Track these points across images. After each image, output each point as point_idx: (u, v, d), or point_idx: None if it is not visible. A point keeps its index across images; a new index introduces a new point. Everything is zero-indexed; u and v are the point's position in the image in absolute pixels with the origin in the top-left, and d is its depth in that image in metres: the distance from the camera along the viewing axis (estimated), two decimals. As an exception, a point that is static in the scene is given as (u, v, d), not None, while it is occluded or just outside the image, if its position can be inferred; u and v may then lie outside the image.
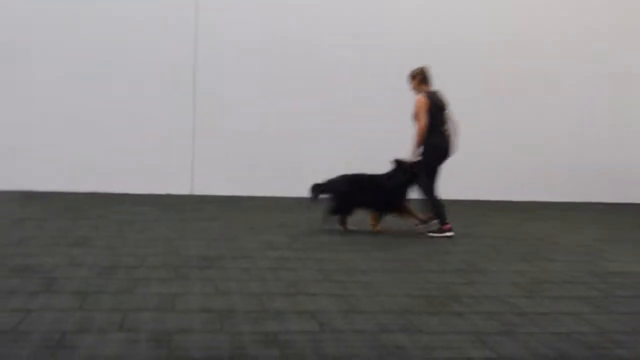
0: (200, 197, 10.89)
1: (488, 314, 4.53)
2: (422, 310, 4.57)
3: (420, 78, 7.90)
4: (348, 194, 7.83)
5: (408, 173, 7.79)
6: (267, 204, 10.29)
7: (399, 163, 7.88)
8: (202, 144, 11.23)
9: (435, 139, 7.77)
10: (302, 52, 11.48)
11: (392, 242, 7.31)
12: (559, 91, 12.34)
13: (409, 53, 11.36)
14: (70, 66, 10.86)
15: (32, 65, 10.81)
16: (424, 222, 7.94)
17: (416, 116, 7.78)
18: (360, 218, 8.02)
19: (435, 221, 7.84)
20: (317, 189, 8.05)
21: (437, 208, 7.80)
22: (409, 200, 7.96)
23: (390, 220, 8.04)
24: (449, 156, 7.88)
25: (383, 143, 11.21)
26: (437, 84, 8.08)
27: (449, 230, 7.75)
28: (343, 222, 7.89)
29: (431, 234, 7.75)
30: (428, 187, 7.79)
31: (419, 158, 7.80)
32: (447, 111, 7.92)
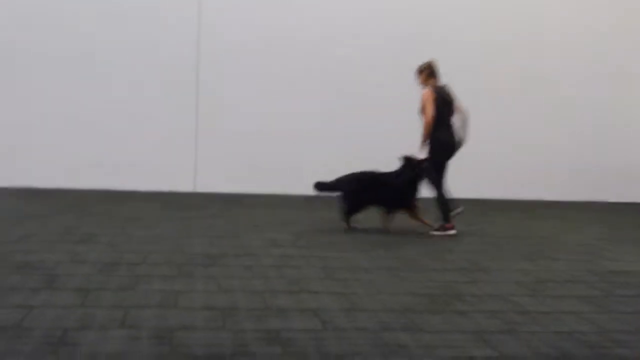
0: (204, 194, 10.91)
1: (490, 313, 4.53)
2: (424, 308, 4.57)
3: (427, 72, 7.87)
4: (357, 192, 7.81)
5: (417, 170, 7.77)
6: (270, 202, 10.30)
7: (408, 160, 7.86)
8: (205, 141, 11.25)
9: (442, 133, 7.74)
10: (304, 52, 11.51)
11: (394, 240, 7.30)
12: (559, 91, 12.35)
13: (409, 53, 11.36)
14: (73, 66, 10.89)
15: (33, 64, 10.82)
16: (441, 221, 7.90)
17: (422, 110, 7.75)
18: (361, 216, 8.01)
19: (460, 210, 7.83)
20: (323, 186, 8.04)
21: (443, 205, 7.78)
22: (418, 198, 7.93)
23: (395, 219, 8.04)
24: (456, 151, 7.85)
25: (383, 142, 11.25)
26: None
27: (452, 229, 7.74)
28: (347, 220, 7.89)
29: (433, 233, 7.75)
30: (437, 182, 7.77)
31: (427, 154, 7.77)
32: (454, 105, 7.87)
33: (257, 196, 10.90)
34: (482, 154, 11.43)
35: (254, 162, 11.31)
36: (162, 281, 4.99)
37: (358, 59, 11.61)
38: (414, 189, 7.85)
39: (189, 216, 8.46)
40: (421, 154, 7.79)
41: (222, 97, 11.25)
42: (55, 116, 10.82)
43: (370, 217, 8.02)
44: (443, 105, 7.72)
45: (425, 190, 7.94)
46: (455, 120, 7.92)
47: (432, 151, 7.77)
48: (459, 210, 7.87)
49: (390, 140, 11.18)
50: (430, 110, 7.64)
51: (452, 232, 7.73)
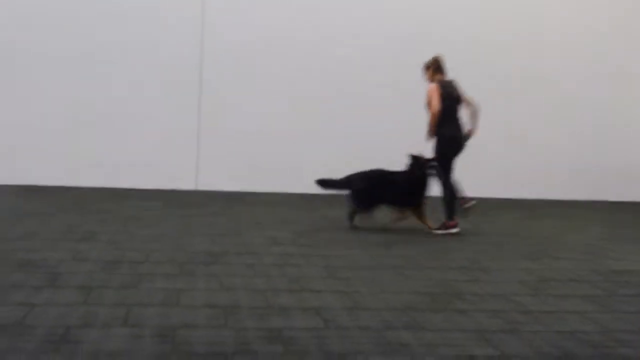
0: (205, 192, 10.92)
1: (492, 312, 4.52)
2: (426, 307, 4.57)
3: (434, 68, 7.87)
4: (367, 191, 7.80)
5: (425, 168, 7.76)
6: (271, 200, 10.30)
7: (415, 158, 7.85)
8: (207, 140, 11.27)
9: (448, 128, 7.71)
10: (306, 52, 11.53)
11: (396, 239, 7.30)
12: (559, 91, 12.36)
13: (409, 53, 11.38)
14: (79, 66, 10.90)
15: (33, 64, 10.82)
16: (464, 209, 7.88)
17: (428, 104, 7.72)
18: (364, 216, 8.02)
19: (472, 202, 7.83)
20: (331, 184, 8.02)
21: (448, 202, 7.75)
22: (426, 198, 7.91)
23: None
24: (463, 146, 7.81)
25: (384, 142, 11.28)
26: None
27: (455, 227, 7.72)
28: (352, 219, 7.88)
29: (436, 231, 7.74)
30: (444, 179, 7.75)
31: (433, 150, 7.76)
32: (460, 101, 7.84)
33: (259, 194, 10.91)
34: (482, 153, 11.41)
35: (256, 160, 11.32)
36: (164, 279, 4.99)
37: (358, 59, 11.62)
38: (422, 188, 7.82)
39: (191, 214, 8.46)
40: (428, 152, 7.77)
41: (224, 96, 11.26)
42: (56, 115, 10.83)
43: (371, 216, 8.00)
44: (448, 101, 7.69)
45: (434, 189, 7.93)
46: (464, 115, 7.89)
47: (438, 147, 7.76)
48: (471, 203, 7.84)
49: (390, 139, 11.22)
50: (436, 104, 7.61)
51: (455, 230, 7.72)
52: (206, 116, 11.25)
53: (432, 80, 7.85)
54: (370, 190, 7.79)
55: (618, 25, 12.61)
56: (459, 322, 4.25)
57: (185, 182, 11.17)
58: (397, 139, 11.17)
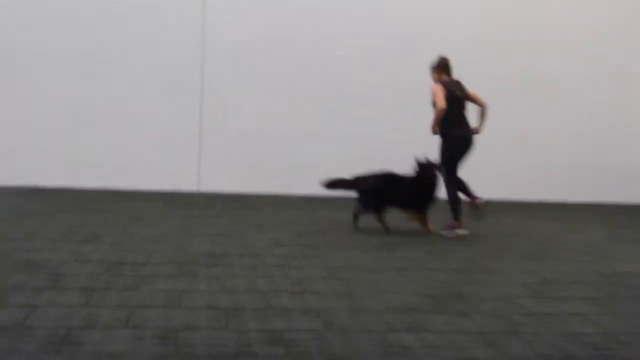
0: (207, 194, 10.92)
1: (494, 314, 4.52)
2: (428, 309, 4.57)
3: (440, 68, 7.85)
4: (374, 192, 7.79)
5: (432, 173, 7.74)
6: (273, 201, 10.31)
7: (421, 165, 7.82)
8: (209, 141, 11.27)
9: (453, 129, 7.67)
10: (308, 51, 11.53)
11: (398, 240, 7.29)
12: (560, 92, 12.37)
13: (410, 53, 11.43)
14: (74, 67, 10.89)
15: (33, 64, 10.83)
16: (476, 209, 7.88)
17: (434, 104, 7.69)
18: (366, 217, 8.01)
19: (482, 200, 7.80)
20: (338, 184, 8.01)
21: (453, 204, 7.71)
22: (434, 202, 7.88)
23: (397, 220, 8.03)
24: (470, 147, 7.76)
25: (386, 142, 11.30)
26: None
27: (461, 228, 7.68)
28: (355, 219, 7.89)
29: (442, 233, 7.71)
30: (449, 181, 7.72)
31: (439, 151, 7.75)
32: (466, 101, 7.81)
33: (261, 196, 10.91)
34: (483, 154, 11.40)
35: (257, 161, 11.32)
36: (166, 281, 4.99)
37: (359, 59, 11.62)
38: (430, 193, 7.78)
39: (192, 215, 8.46)
40: (430, 153, 7.75)
41: (226, 96, 11.26)
42: (57, 115, 10.83)
43: (371, 218, 7.99)
44: (453, 101, 7.64)
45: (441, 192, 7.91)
46: (473, 114, 7.86)
47: (444, 147, 7.75)
48: (481, 200, 7.79)
49: (392, 139, 11.25)
50: (441, 102, 7.55)
51: (462, 231, 7.68)
52: (207, 117, 11.25)
53: (438, 80, 7.82)
54: (378, 192, 7.77)
55: (618, 25, 12.62)
56: (461, 324, 4.25)
57: (186, 183, 11.17)
58: (399, 139, 11.24)
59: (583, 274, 6.05)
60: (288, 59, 11.48)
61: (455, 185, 7.76)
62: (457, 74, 8.02)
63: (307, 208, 9.71)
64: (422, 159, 7.83)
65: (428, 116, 7.78)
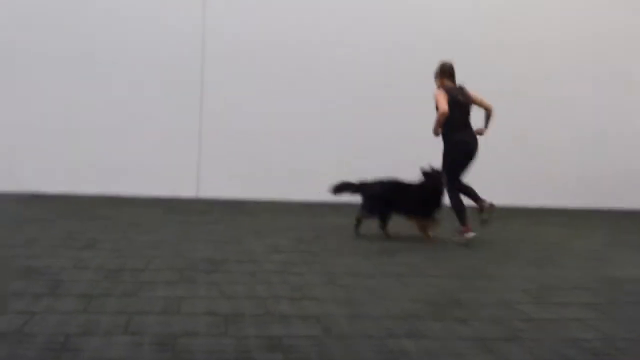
0: (206, 200, 10.91)
1: (494, 320, 4.51)
2: (428, 315, 4.56)
3: (443, 74, 7.81)
4: (381, 198, 7.78)
5: (438, 181, 7.72)
6: (273, 207, 10.30)
7: (426, 174, 7.81)
8: (208, 147, 11.26)
9: (455, 135, 7.62)
10: (311, 53, 11.52)
11: (398, 246, 7.29)
12: (565, 97, 12.35)
13: (411, 54, 11.45)
14: (74, 67, 10.89)
15: (34, 66, 10.84)
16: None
17: (437, 108, 7.66)
18: (366, 223, 8.01)
19: (488, 203, 7.73)
20: (345, 188, 8.00)
21: (457, 210, 7.65)
22: (439, 211, 7.87)
23: (398, 226, 8.02)
24: (474, 153, 7.70)
25: (390, 147, 11.28)
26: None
27: (469, 231, 7.59)
28: (358, 225, 7.88)
29: (454, 239, 7.64)
30: (451, 187, 7.68)
31: (442, 157, 7.72)
32: (470, 106, 7.76)
33: (260, 202, 10.91)
34: (486, 160, 11.41)
35: (258, 166, 11.31)
36: (165, 287, 4.98)
37: (361, 61, 11.60)
38: (435, 201, 7.77)
39: (192, 221, 8.46)
40: (434, 159, 7.74)
41: (226, 101, 11.25)
42: (60, 118, 10.82)
43: (373, 224, 7.99)
44: (455, 107, 7.57)
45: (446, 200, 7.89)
46: (479, 117, 7.82)
47: (446, 152, 7.71)
48: (487, 204, 7.76)
49: (395, 142, 11.24)
50: (442, 106, 7.48)
51: (471, 234, 7.58)
52: (207, 121, 11.23)
53: (440, 86, 7.79)
54: (384, 198, 7.77)
55: (620, 28, 12.62)
56: (461, 330, 4.24)
57: (186, 190, 11.17)
58: (402, 142, 11.24)
59: (584, 279, 6.04)
60: (290, 61, 11.44)
61: (458, 190, 7.73)
62: (460, 78, 7.99)
63: (306, 214, 9.70)
64: (427, 168, 7.82)
65: (430, 120, 7.75)
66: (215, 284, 5.14)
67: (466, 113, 7.78)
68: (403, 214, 7.87)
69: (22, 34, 10.81)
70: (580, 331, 4.36)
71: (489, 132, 7.97)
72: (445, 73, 7.84)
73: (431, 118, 7.74)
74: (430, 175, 7.79)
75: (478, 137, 7.80)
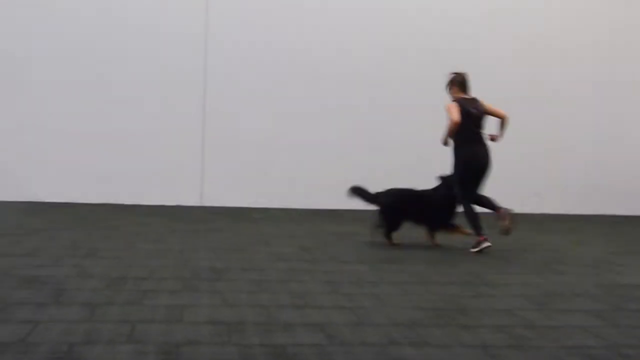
0: (210, 208, 10.92)
1: (497, 327, 4.51)
2: (431, 323, 4.56)
3: (455, 85, 7.68)
4: (395, 208, 7.79)
5: (452, 188, 7.70)
6: (276, 215, 10.31)
7: (444, 179, 7.80)
8: (212, 155, 11.28)
9: (465, 146, 7.52)
10: (315, 60, 11.51)
11: (401, 254, 7.28)
12: (568, 103, 12.32)
13: (418, 60, 11.44)
14: (78, 77, 10.93)
15: (37, 78, 10.89)
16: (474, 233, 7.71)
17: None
18: (366, 231, 8.01)
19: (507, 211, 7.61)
20: (361, 193, 8.00)
21: (470, 220, 7.55)
22: (456, 217, 7.85)
23: (400, 233, 8.01)
24: (484, 165, 7.59)
25: (395, 155, 11.26)
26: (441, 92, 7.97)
27: (485, 241, 7.51)
28: (388, 237, 7.83)
29: (472, 250, 7.51)
30: (462, 196, 7.60)
31: (452, 169, 7.66)
32: (482, 118, 7.62)
33: (264, 210, 10.91)
34: (495, 167, 11.42)
35: (262, 175, 11.32)
36: (169, 296, 4.99)
37: (366, 69, 11.60)
38: (451, 208, 7.76)
39: (195, 230, 8.47)
40: (444, 167, 7.72)
41: (229, 110, 11.28)
42: (64, 128, 10.85)
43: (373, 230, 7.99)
44: (467, 119, 7.43)
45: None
46: (494, 125, 7.77)
47: (455, 164, 7.62)
48: (507, 211, 7.63)
49: (401, 149, 11.23)
50: (454, 116, 7.37)
51: (486, 244, 7.47)
52: (211, 130, 11.26)
53: (453, 97, 7.65)
54: (400, 208, 7.79)
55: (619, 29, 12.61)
56: (463, 338, 4.24)
57: (189, 198, 11.18)
58: (405, 150, 11.23)
59: (587, 286, 6.02)
60: (294, 70, 11.43)
61: (473, 202, 7.65)
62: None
63: (309, 222, 9.71)
64: (443, 175, 7.82)
65: (434, 127, 7.70)
66: (219, 292, 5.14)
67: (479, 126, 7.62)
68: (415, 223, 7.88)
69: (23, 41, 10.84)
70: (584, 338, 4.35)
71: (500, 139, 7.87)
72: (458, 84, 7.67)
73: (435, 125, 7.72)
74: (445, 182, 7.78)
75: (491, 143, 7.70)
